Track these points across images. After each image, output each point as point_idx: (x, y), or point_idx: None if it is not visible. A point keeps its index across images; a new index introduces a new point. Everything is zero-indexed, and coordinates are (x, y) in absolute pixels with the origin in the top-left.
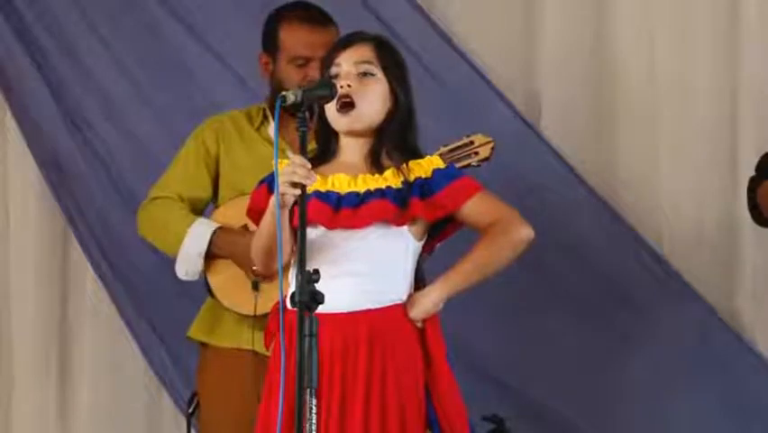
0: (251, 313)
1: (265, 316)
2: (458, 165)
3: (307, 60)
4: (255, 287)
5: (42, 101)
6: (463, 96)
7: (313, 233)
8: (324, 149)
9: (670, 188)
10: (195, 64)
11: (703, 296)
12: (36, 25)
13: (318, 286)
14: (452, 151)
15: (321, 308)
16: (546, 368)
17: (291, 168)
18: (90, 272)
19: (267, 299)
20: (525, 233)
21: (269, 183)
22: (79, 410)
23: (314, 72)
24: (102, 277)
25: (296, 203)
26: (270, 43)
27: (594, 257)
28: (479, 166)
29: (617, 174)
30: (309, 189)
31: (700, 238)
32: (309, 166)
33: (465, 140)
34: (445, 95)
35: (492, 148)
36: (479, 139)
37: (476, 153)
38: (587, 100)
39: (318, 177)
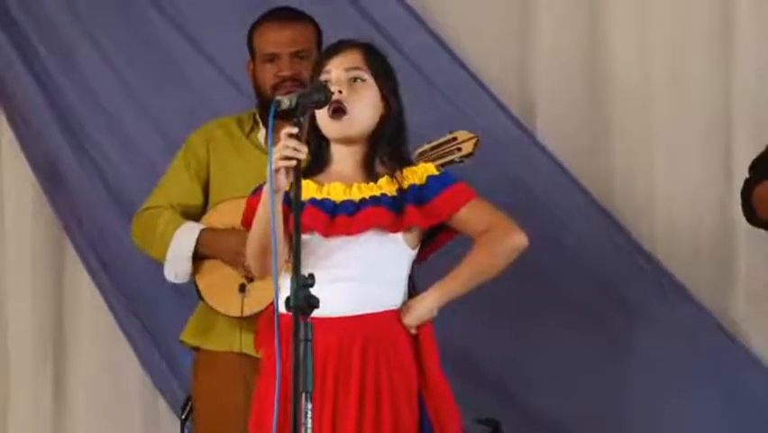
0: (239, 315)
1: (253, 317)
2: (441, 161)
3: (276, 56)
4: (242, 289)
5: (37, 107)
6: (457, 98)
7: (308, 239)
8: (316, 158)
9: (665, 191)
10: (191, 71)
11: (699, 298)
12: (32, 33)
13: (313, 291)
14: (435, 148)
15: (315, 313)
16: (542, 371)
17: (282, 143)
18: (86, 278)
19: (253, 301)
20: (518, 240)
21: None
22: (76, 416)
23: (285, 68)
24: (98, 283)
25: (289, 204)
26: (250, 50)
27: (589, 260)
28: (461, 162)
29: (611, 176)
30: (305, 197)
31: (696, 240)
32: (296, 133)
33: (448, 136)
34: (438, 97)
35: (475, 144)
36: (462, 135)
37: (459, 149)
38: (582, 103)
39: (313, 184)
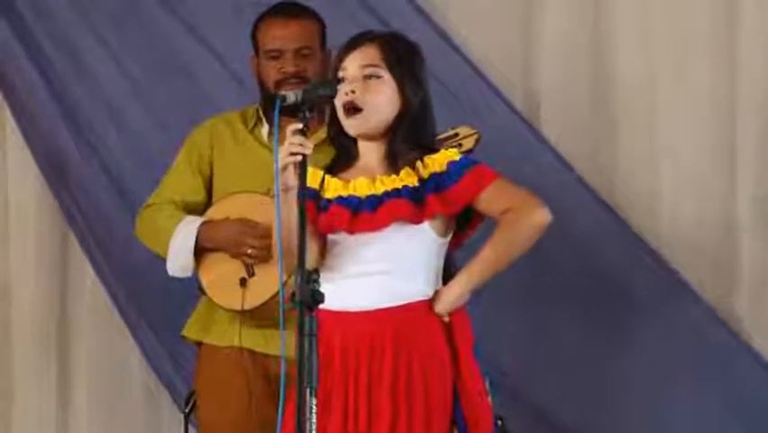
0: (239, 309)
1: (254, 311)
2: None
3: (280, 53)
4: (242, 282)
5: (43, 101)
6: (460, 93)
7: (335, 238)
8: (343, 153)
9: (668, 188)
10: (196, 66)
11: (701, 295)
12: (37, 26)
13: (341, 286)
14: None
15: (344, 307)
16: (545, 367)
17: (288, 141)
18: (90, 272)
19: (253, 295)
20: (540, 217)
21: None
22: (79, 409)
23: (288, 65)
24: (101, 276)
25: (315, 200)
26: (254, 45)
27: (593, 256)
28: None
29: (615, 173)
30: (332, 195)
31: (699, 237)
32: (301, 129)
33: (450, 132)
34: (444, 94)
35: (476, 140)
36: (463, 131)
37: (460, 145)
38: (586, 100)
39: (340, 182)
